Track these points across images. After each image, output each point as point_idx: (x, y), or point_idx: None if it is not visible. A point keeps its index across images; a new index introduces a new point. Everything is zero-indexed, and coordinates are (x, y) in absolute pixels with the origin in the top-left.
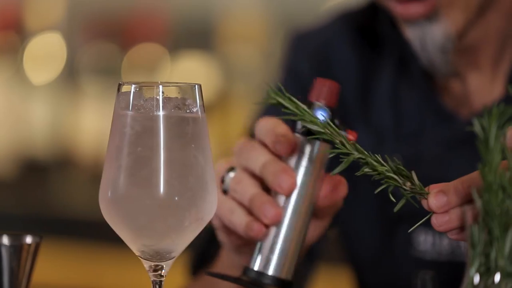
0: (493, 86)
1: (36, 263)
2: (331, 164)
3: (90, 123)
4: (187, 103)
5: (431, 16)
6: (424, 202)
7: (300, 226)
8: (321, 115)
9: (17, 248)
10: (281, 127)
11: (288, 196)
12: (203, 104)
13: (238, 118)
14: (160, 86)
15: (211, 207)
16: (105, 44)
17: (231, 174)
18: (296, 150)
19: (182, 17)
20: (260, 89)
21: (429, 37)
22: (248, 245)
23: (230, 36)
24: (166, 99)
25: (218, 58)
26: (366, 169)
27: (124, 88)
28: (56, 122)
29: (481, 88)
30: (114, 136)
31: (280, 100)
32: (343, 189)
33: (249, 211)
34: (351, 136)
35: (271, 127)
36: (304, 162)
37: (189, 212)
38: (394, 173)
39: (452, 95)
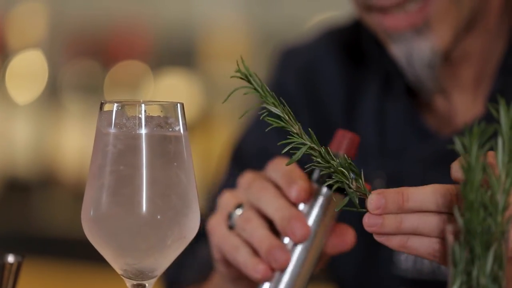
0: (475, 105)
1: (18, 282)
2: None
3: (73, 141)
4: (169, 121)
5: (419, 29)
6: (367, 202)
7: (305, 273)
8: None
9: None
10: (297, 172)
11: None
12: (185, 122)
13: (220, 136)
14: (143, 105)
15: (193, 226)
16: (87, 62)
17: (239, 211)
18: (310, 197)
19: (165, 34)
20: (243, 107)
21: (416, 53)
22: (245, 277)
23: (213, 54)
24: (149, 118)
25: (201, 76)
26: (318, 159)
27: (107, 107)
28: (38, 140)
29: (463, 106)
30: (96, 154)
31: (247, 74)
32: (351, 239)
33: (255, 251)
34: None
35: (288, 171)
36: (316, 211)
37: (172, 230)
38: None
39: (435, 113)
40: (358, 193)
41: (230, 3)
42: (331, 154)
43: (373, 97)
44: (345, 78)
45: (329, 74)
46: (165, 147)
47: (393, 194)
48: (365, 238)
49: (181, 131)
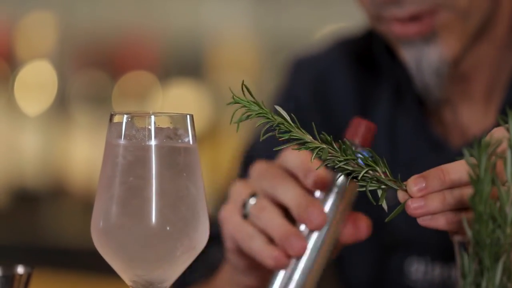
0: (486, 117)
1: None
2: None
3: (81, 152)
4: (178, 133)
5: (428, 37)
6: (399, 194)
7: (321, 260)
8: (361, 155)
9: (8, 279)
10: (314, 160)
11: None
12: (195, 134)
13: (229, 147)
14: (152, 116)
15: (203, 237)
16: (96, 73)
17: (253, 200)
18: (326, 185)
19: (173, 45)
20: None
21: (425, 59)
22: (258, 268)
23: (221, 65)
24: (158, 129)
25: (209, 86)
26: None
27: (116, 118)
28: (47, 151)
29: (473, 118)
30: (106, 165)
31: (243, 101)
32: (366, 229)
33: (270, 239)
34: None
35: (304, 159)
36: (333, 198)
37: (181, 242)
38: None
39: (443, 124)
40: (393, 186)
41: (238, 13)
42: (351, 146)
43: (385, 108)
44: (357, 89)
45: (341, 85)
46: (175, 158)
47: (433, 172)
48: (375, 248)
49: (191, 142)
